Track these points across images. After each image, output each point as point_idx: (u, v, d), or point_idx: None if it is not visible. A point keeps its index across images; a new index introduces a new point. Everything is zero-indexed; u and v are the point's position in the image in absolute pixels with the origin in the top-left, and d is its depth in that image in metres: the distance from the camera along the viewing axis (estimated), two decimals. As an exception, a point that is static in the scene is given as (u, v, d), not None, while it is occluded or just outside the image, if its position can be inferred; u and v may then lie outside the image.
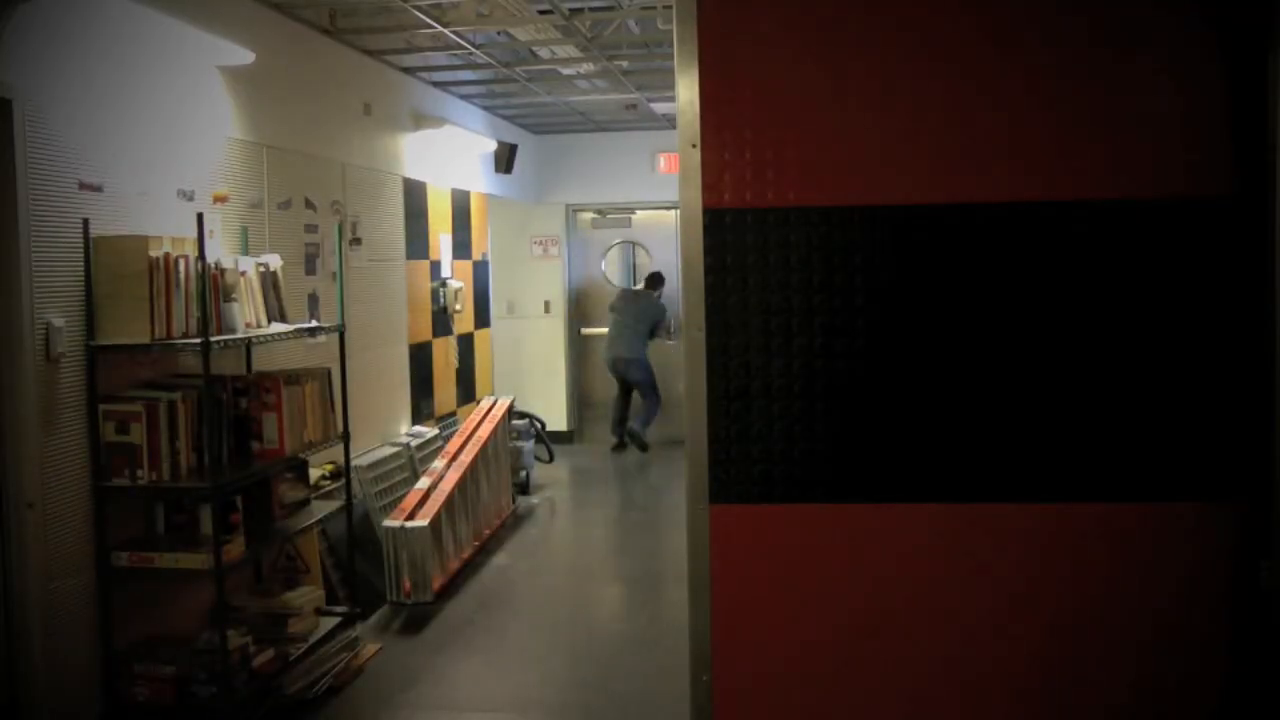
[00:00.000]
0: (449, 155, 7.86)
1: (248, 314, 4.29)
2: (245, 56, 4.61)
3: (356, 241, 6.25)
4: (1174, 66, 2.11)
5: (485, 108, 8.72)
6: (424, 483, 6.14)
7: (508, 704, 4.54)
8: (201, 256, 3.86)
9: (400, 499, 6.05)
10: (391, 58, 6.66)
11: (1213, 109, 2.09)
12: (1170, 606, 2.15)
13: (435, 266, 7.72)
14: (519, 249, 10.34)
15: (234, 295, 4.15)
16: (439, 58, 6.78)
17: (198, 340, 3.83)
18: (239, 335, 4.16)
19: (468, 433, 6.92)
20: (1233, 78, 2.08)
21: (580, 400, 10.78)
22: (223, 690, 3.88)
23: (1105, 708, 2.17)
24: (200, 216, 3.88)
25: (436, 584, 5.74)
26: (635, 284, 10.62)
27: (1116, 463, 2.14)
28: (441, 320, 7.85)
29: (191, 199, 4.42)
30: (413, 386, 7.20)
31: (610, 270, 10.84)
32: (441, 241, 7.86)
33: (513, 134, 9.45)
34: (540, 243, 10.44)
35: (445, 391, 7.94)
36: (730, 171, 2.18)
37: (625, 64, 7.07)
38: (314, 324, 5.00)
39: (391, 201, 6.84)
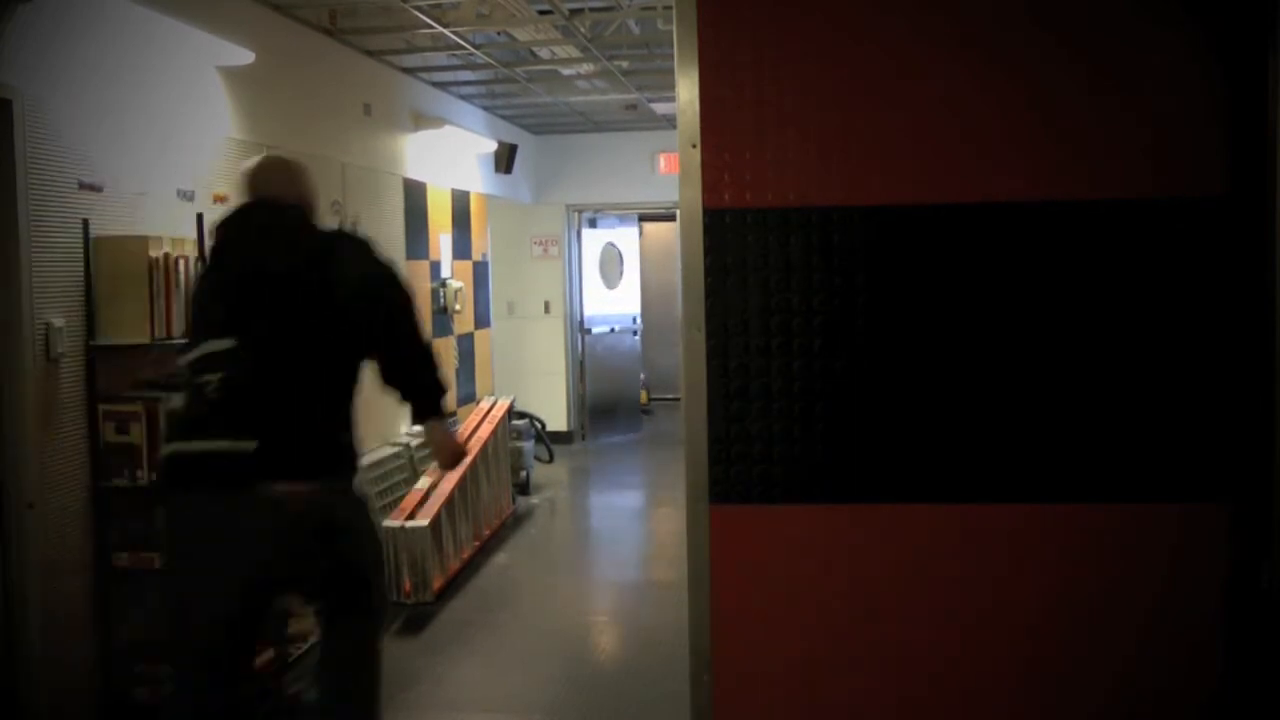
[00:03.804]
0: (449, 155, 7.86)
1: (248, 314, 4.28)
2: (245, 56, 4.61)
3: (356, 241, 6.23)
4: (1173, 66, 2.10)
5: (485, 108, 8.71)
6: (424, 483, 6.13)
7: (507, 705, 4.54)
8: (201, 256, 3.86)
9: (400, 499, 6.04)
10: (391, 58, 6.66)
11: (1209, 109, 2.09)
12: (1170, 606, 2.15)
13: (435, 266, 7.72)
14: (519, 249, 10.34)
15: (234, 295, 4.15)
16: (439, 58, 6.79)
17: (198, 340, 3.82)
18: (239, 335, 4.15)
19: (468, 433, 6.91)
20: (1231, 78, 2.08)
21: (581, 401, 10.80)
22: (223, 690, 3.87)
23: (1104, 707, 2.17)
24: (200, 216, 3.88)
25: (437, 584, 5.73)
26: (619, 281, 10.96)
27: (1116, 463, 2.14)
28: (441, 320, 7.85)
29: (191, 199, 4.42)
30: (413, 386, 7.18)
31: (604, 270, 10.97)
32: (441, 241, 7.85)
33: (513, 134, 9.45)
34: (540, 243, 10.44)
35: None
36: (730, 171, 2.18)
37: (625, 64, 7.06)
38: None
39: (391, 201, 6.84)
